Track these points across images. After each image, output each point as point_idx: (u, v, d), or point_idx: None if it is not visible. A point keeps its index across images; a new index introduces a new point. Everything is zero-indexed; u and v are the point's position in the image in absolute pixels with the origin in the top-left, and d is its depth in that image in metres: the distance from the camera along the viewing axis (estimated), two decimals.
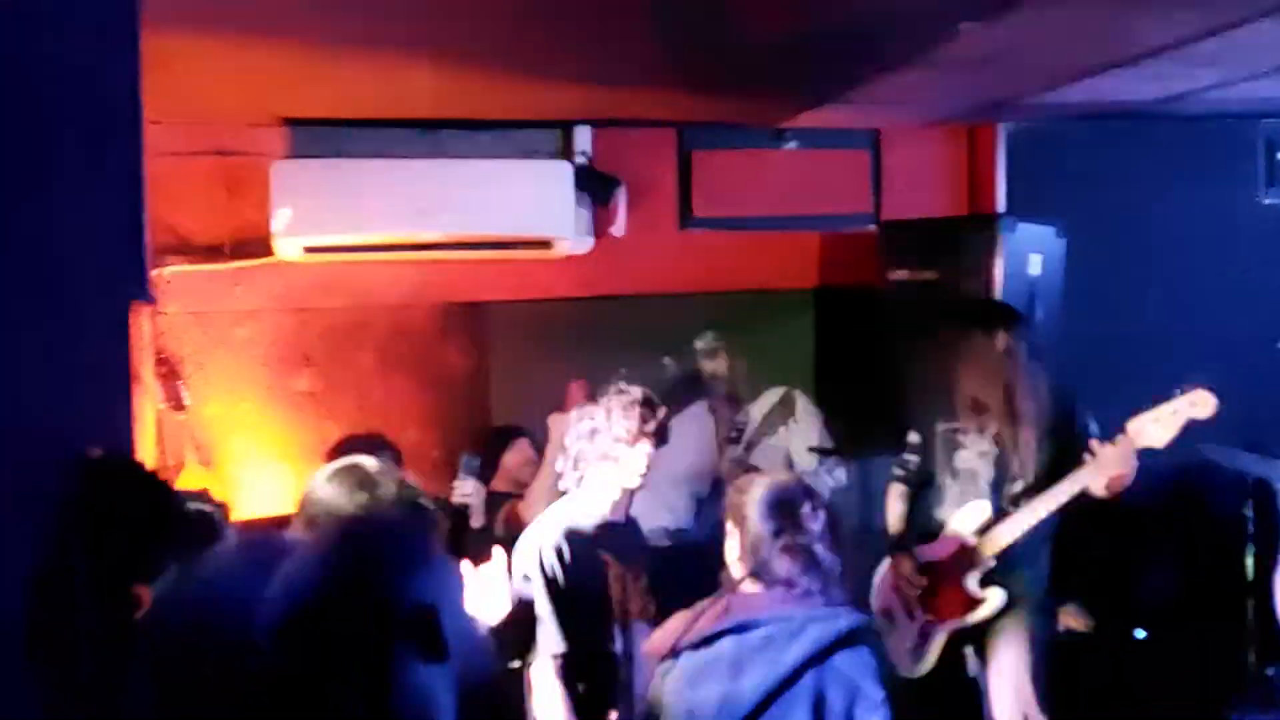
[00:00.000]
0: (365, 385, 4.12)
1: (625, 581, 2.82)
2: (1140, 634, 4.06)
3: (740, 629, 2.23)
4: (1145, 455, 3.99)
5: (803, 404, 4.47)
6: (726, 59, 3.45)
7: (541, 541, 2.83)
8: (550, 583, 2.78)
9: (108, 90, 2.05)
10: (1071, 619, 4.00)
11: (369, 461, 2.23)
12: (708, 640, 2.25)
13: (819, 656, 2.16)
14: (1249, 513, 3.72)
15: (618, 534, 2.92)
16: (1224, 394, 4.29)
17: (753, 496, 2.33)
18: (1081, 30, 3.11)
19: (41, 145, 1.93)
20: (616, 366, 4.24)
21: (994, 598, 3.32)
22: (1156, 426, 2.92)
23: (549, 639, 2.78)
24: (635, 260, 4.48)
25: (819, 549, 2.26)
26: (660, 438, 2.90)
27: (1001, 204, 4.63)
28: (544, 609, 2.78)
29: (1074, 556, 3.88)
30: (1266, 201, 4.75)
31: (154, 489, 1.92)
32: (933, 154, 4.80)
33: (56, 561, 1.73)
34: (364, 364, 4.31)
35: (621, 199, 4.33)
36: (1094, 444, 3.11)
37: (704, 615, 2.28)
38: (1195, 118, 4.61)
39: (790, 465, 4.26)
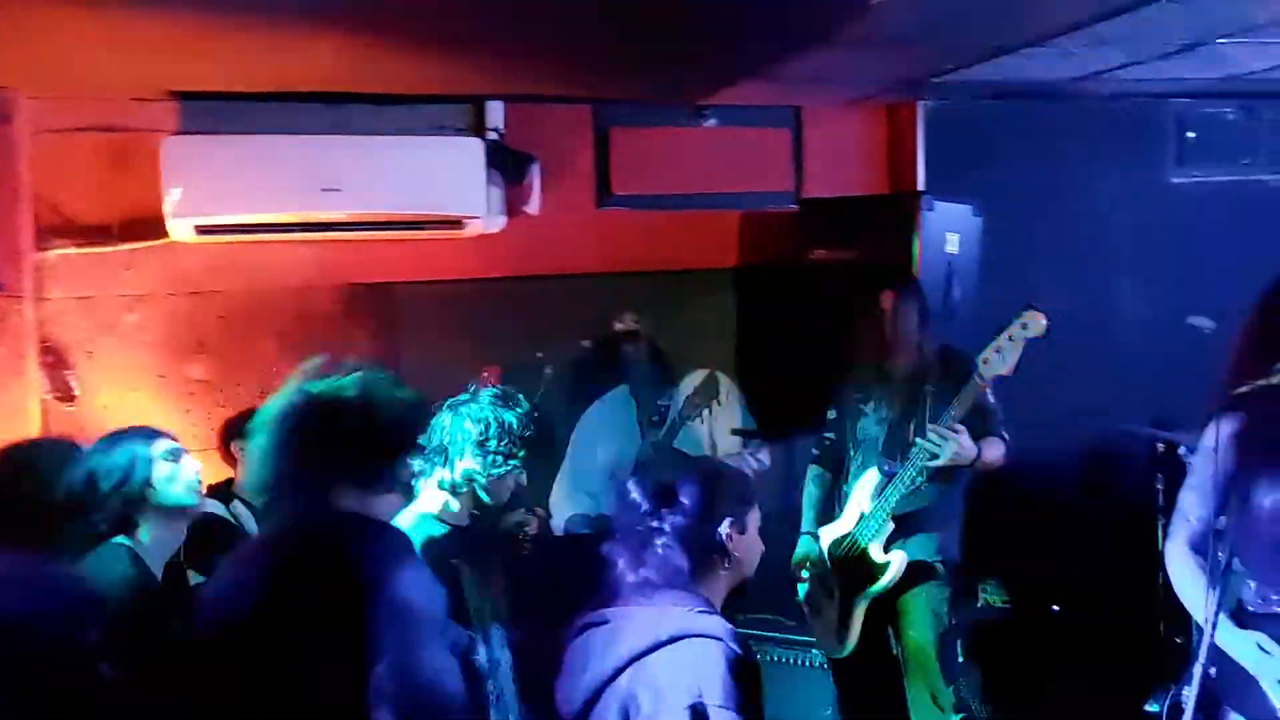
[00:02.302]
0: (265, 372, 3.92)
1: (479, 587, 2.56)
2: (1055, 608, 4.09)
3: (594, 623, 2.11)
4: (1060, 430, 4.09)
5: (726, 386, 4.42)
6: (642, 35, 3.35)
7: None
8: None
9: None
10: (990, 596, 4.03)
11: None
12: (581, 632, 2.13)
13: (639, 656, 1.99)
14: (1159, 485, 3.79)
15: (469, 537, 2.63)
16: (1136, 369, 4.41)
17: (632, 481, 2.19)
18: (993, 7, 3.10)
19: None
20: (532, 351, 4.15)
21: (896, 560, 3.34)
22: (999, 355, 3.05)
23: None
24: (551, 240, 4.36)
25: (663, 542, 2.07)
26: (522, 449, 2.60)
27: (921, 183, 4.62)
28: None
29: (991, 532, 3.92)
30: (1175, 180, 4.82)
31: None
32: (853, 132, 4.77)
33: None
34: (263, 350, 4.11)
35: (536, 177, 4.20)
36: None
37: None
38: (1108, 98, 4.67)
39: (713, 449, 4.21)
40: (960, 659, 3.75)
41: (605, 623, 2.08)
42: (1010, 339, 3.16)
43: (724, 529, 2.10)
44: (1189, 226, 4.67)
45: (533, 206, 4.20)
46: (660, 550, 2.07)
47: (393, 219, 3.95)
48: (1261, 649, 2.21)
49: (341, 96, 4.00)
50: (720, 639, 1.99)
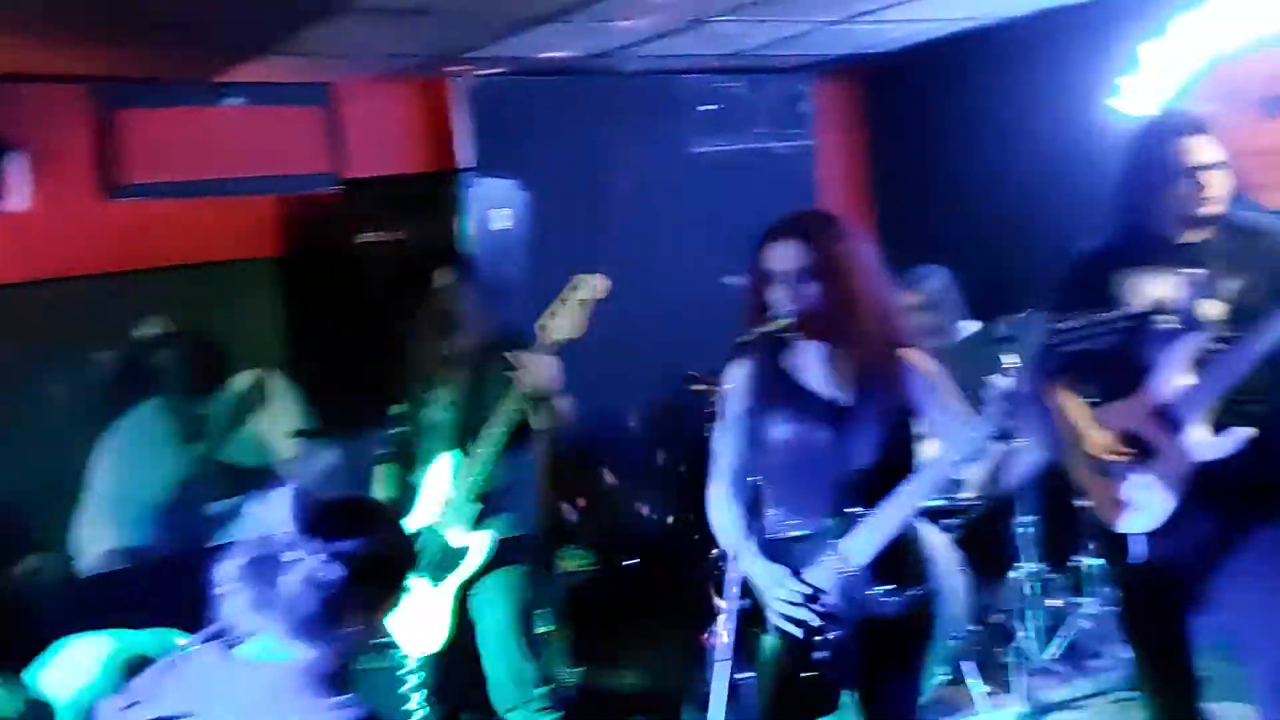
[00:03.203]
0: None
1: None
2: (631, 562, 4.27)
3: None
4: (626, 390, 4.25)
5: (277, 385, 4.12)
6: (134, 5, 2.97)
7: None
8: None
9: None
10: (571, 561, 4.12)
11: None
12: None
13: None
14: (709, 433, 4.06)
15: None
16: (679, 329, 4.71)
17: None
18: None
19: None
20: (27, 370, 3.59)
21: (478, 543, 3.31)
22: (559, 319, 3.06)
23: None
24: (48, 239, 3.78)
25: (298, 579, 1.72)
26: None
27: (470, 160, 4.58)
28: None
29: (570, 495, 4.02)
30: (696, 150, 5.20)
31: None
32: (393, 109, 4.62)
33: None
34: None
35: (19, 168, 3.60)
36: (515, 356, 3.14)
37: None
38: (634, 75, 4.92)
39: (268, 452, 3.90)
40: (547, 629, 3.81)
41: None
42: (563, 302, 3.17)
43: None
44: (712, 192, 5.06)
45: (18, 201, 3.61)
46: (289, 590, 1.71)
47: None
48: (772, 576, 2.39)
49: None
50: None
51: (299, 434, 4.00)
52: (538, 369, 3.09)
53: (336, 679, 1.73)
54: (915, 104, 5.35)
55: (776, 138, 5.34)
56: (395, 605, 1.83)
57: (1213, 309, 2.63)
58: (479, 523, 3.32)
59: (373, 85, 4.51)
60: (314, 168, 4.36)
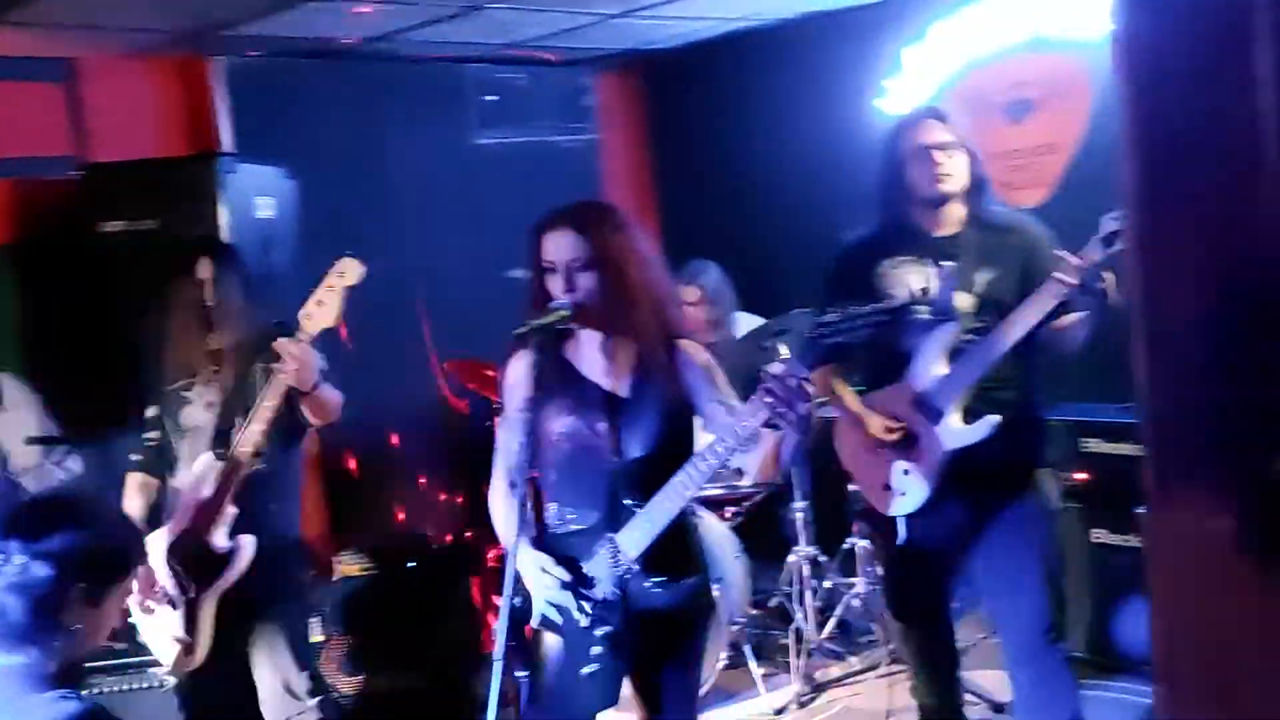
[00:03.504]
0: None
1: None
2: (412, 564, 4.13)
3: None
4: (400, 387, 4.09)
5: (11, 388, 3.75)
6: None
7: None
8: None
9: None
10: (347, 565, 3.94)
11: None
12: None
13: None
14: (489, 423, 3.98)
15: None
16: (464, 320, 4.57)
17: None
18: None
19: None
20: None
21: (246, 545, 3.10)
22: (319, 307, 2.91)
23: None
24: None
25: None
26: None
27: (229, 144, 4.30)
28: None
29: (345, 498, 3.84)
30: (481, 141, 5.10)
31: None
32: (144, 89, 4.29)
33: None
34: None
35: None
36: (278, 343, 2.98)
37: None
38: (413, 61, 4.77)
39: (4, 463, 3.54)
40: (320, 637, 3.63)
41: None
42: (329, 288, 3.00)
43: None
44: (497, 184, 4.97)
45: None
46: None
47: None
48: (543, 570, 2.36)
49: None
50: None
51: (37, 440, 3.64)
52: (301, 360, 2.92)
53: (61, 677, 1.72)
54: (696, 101, 5.44)
55: (561, 131, 5.31)
56: (120, 598, 1.84)
57: (964, 301, 2.79)
58: (243, 527, 3.11)
59: (120, 62, 4.16)
60: (52, 150, 4.00)
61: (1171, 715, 1.89)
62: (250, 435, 3.01)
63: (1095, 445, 3.61)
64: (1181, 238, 1.74)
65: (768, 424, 2.25)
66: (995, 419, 2.71)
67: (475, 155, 5.06)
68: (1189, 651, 1.83)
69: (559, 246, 2.35)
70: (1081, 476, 3.52)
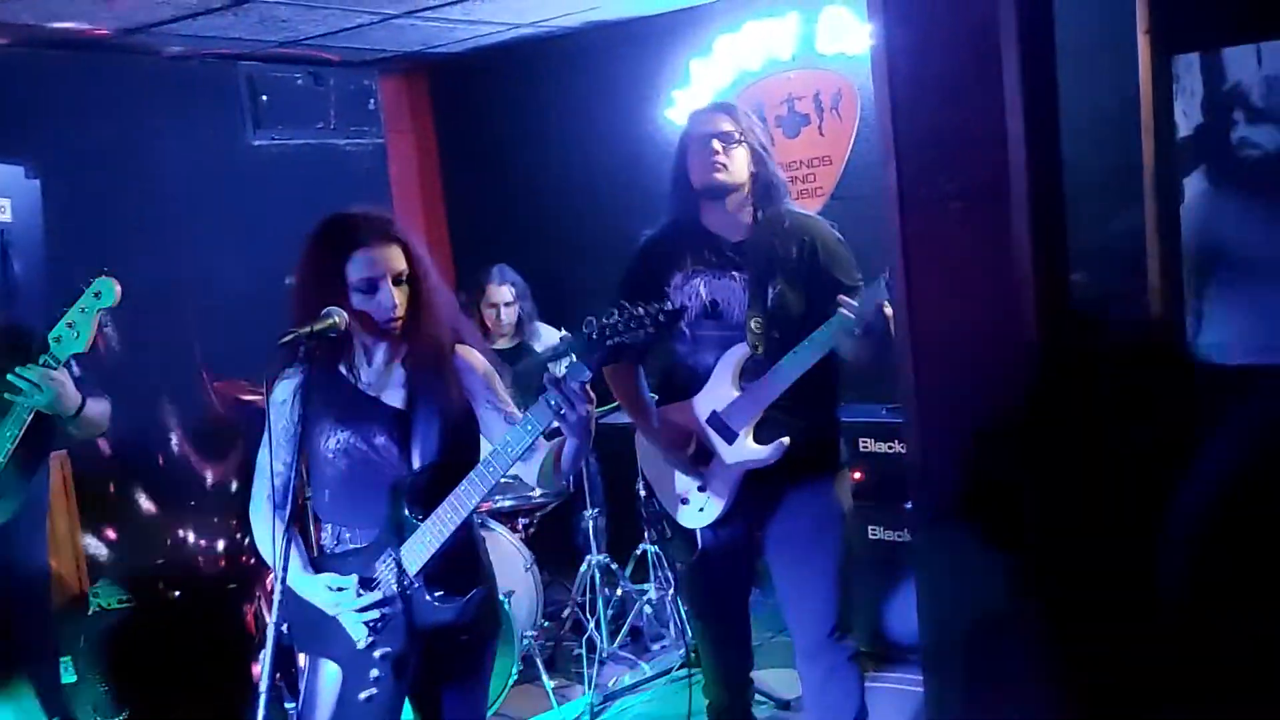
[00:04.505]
0: None
1: None
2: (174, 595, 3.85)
3: None
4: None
5: None
6: None
7: None
8: None
9: None
10: (103, 599, 3.62)
11: None
12: None
13: None
14: None
15: None
16: (238, 328, 4.29)
17: None
18: None
19: None
20: None
21: None
22: (70, 330, 2.67)
23: None
24: None
25: None
26: None
27: None
28: None
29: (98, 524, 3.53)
30: (256, 143, 4.84)
31: None
32: None
33: None
34: None
35: None
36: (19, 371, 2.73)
37: None
38: (176, 57, 4.47)
39: None
40: (72, 678, 3.32)
41: None
42: (82, 310, 2.74)
43: None
44: (274, 187, 4.73)
45: None
46: None
47: None
48: (332, 589, 2.25)
49: None
50: None
51: None
52: (54, 385, 2.68)
53: None
54: (486, 106, 5.36)
55: (344, 134, 5.11)
56: None
57: (754, 320, 2.75)
58: None
59: None
60: None
61: (939, 701, 1.98)
62: None
63: (870, 445, 3.76)
64: (938, 244, 1.83)
65: (551, 433, 2.20)
66: (785, 441, 2.73)
67: (251, 157, 4.80)
68: (954, 642, 1.92)
69: (381, 260, 2.23)
70: (857, 476, 3.67)
